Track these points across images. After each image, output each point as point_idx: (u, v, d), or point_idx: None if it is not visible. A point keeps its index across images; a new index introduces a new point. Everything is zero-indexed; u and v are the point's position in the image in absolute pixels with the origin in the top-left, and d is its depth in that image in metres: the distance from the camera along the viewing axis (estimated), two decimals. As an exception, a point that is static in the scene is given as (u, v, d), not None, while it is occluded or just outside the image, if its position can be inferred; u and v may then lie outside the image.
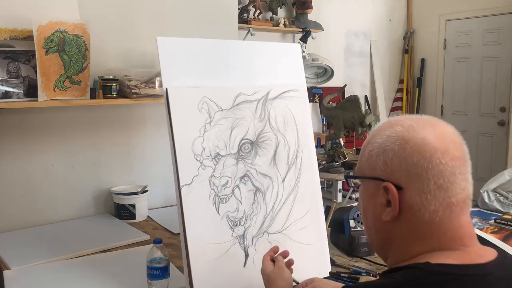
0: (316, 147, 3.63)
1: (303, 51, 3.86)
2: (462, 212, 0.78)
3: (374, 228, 0.86)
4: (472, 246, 0.79)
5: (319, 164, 2.61)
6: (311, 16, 4.40)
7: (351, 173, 0.97)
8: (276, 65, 1.55)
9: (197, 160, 1.30)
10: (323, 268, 1.47)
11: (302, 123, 1.52)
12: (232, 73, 1.44)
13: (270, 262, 1.20)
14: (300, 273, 1.25)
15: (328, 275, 1.46)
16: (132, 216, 2.08)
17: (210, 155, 1.33)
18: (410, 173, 0.78)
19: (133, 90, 1.93)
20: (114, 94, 1.94)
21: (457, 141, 0.82)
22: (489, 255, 0.80)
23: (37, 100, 1.72)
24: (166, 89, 1.28)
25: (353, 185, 0.94)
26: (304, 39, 4.02)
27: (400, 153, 0.79)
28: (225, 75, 1.42)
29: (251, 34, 3.99)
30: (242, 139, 1.39)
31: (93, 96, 1.89)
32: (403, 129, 0.80)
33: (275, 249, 1.24)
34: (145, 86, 1.95)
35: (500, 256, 0.80)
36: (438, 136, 0.79)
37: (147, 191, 2.16)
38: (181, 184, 1.27)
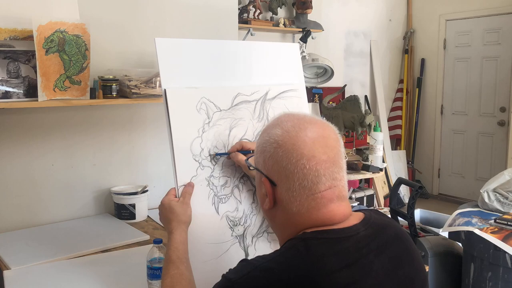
0: (316, 147, 3.63)
1: (303, 51, 3.86)
2: (330, 202, 0.91)
3: (262, 211, 1.04)
4: (344, 221, 0.92)
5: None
6: (311, 16, 4.40)
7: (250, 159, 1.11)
8: (275, 65, 1.55)
9: (195, 160, 1.30)
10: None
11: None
12: (230, 74, 1.44)
13: (174, 194, 1.26)
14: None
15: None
16: (132, 216, 2.08)
17: (209, 155, 1.33)
18: (280, 174, 0.92)
19: (133, 90, 1.93)
20: (114, 94, 1.94)
21: (328, 144, 0.93)
22: (356, 218, 0.95)
23: (37, 100, 1.72)
24: (165, 90, 1.29)
25: (250, 169, 1.10)
26: (304, 39, 4.02)
27: (274, 155, 0.93)
28: (224, 75, 1.43)
29: (251, 34, 3.99)
30: (241, 139, 1.39)
31: (93, 96, 1.89)
32: (281, 132, 0.93)
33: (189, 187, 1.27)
34: (145, 86, 1.95)
35: (367, 217, 0.96)
36: (308, 142, 0.91)
37: (147, 191, 2.16)
38: (179, 185, 1.27)
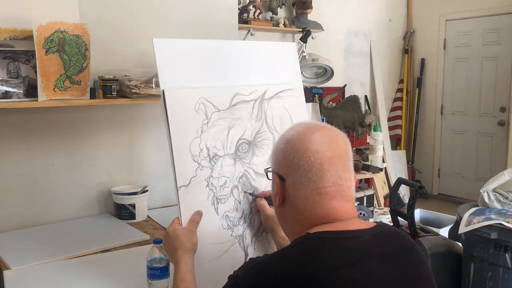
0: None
1: (303, 51, 3.86)
2: (334, 199, 0.95)
3: (275, 213, 1.09)
4: (347, 220, 0.95)
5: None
6: (311, 16, 4.40)
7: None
8: (272, 64, 1.55)
9: (194, 161, 1.30)
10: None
11: (300, 122, 1.53)
12: (228, 73, 1.44)
13: (178, 223, 1.28)
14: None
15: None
16: (132, 216, 2.08)
17: (208, 155, 1.33)
18: (288, 167, 0.99)
19: (133, 90, 1.93)
20: (114, 94, 1.94)
21: (334, 144, 0.99)
22: (365, 225, 0.96)
23: (37, 100, 1.72)
24: (163, 90, 1.29)
25: (267, 172, 1.14)
26: (304, 39, 4.02)
27: (283, 151, 1.00)
28: (222, 75, 1.43)
29: (251, 34, 3.99)
30: (240, 139, 1.39)
31: (93, 96, 1.90)
32: (291, 132, 1.02)
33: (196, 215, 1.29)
34: (145, 86, 1.95)
35: (377, 226, 0.98)
36: (315, 139, 0.98)
37: (147, 191, 2.16)
38: (178, 185, 1.27)
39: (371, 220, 3.76)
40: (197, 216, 1.28)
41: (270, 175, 1.08)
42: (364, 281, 0.86)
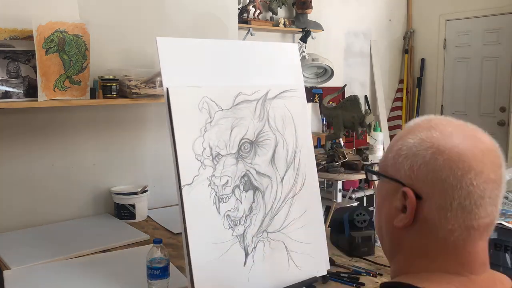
0: (316, 147, 3.63)
1: (303, 51, 3.86)
2: (480, 237, 0.73)
3: (385, 229, 0.81)
4: (480, 274, 0.73)
5: (319, 164, 2.61)
6: (311, 16, 4.40)
7: (373, 167, 0.89)
8: (275, 65, 1.55)
9: (197, 160, 1.30)
10: (322, 266, 1.47)
11: (301, 122, 1.53)
12: (231, 73, 1.44)
13: None
14: (299, 272, 1.26)
15: (325, 273, 1.46)
16: (132, 216, 2.08)
17: (211, 154, 1.33)
18: (435, 186, 0.72)
19: (133, 90, 1.93)
20: (114, 94, 1.94)
21: (496, 162, 0.74)
22: (501, 285, 0.74)
23: (37, 100, 1.72)
24: (167, 88, 1.28)
25: (371, 178, 0.89)
26: (304, 39, 4.02)
27: (430, 163, 0.72)
28: (225, 74, 1.43)
29: (251, 34, 3.99)
30: (242, 138, 1.39)
31: (93, 96, 1.89)
32: (440, 136, 0.73)
33: None
34: (145, 86, 1.95)
35: None
36: (477, 153, 0.72)
37: (147, 191, 2.16)
38: (182, 184, 1.27)
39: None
40: None
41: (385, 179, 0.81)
42: None
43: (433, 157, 0.72)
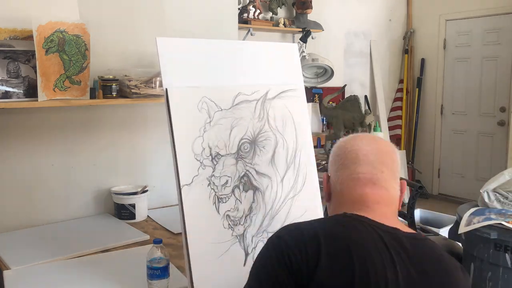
0: (316, 147, 3.63)
1: (303, 51, 3.86)
2: (365, 186, 1.03)
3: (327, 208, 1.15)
4: (377, 209, 1.01)
5: (319, 164, 2.61)
6: (311, 16, 4.40)
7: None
8: (274, 65, 1.55)
9: (197, 160, 1.30)
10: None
11: (300, 122, 1.53)
12: (231, 73, 1.44)
13: None
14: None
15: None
16: (132, 216, 2.08)
17: (210, 155, 1.33)
18: (332, 163, 1.11)
19: (133, 90, 1.93)
20: (114, 94, 1.94)
21: (374, 142, 1.08)
22: (406, 230, 1.00)
23: (37, 100, 1.72)
24: (166, 89, 1.29)
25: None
26: (304, 39, 4.02)
27: (333, 151, 1.12)
28: (224, 75, 1.43)
29: (251, 34, 3.99)
30: (242, 138, 1.39)
31: (93, 96, 1.89)
32: (344, 140, 1.12)
33: None
34: (145, 86, 1.95)
35: (418, 235, 1.03)
36: (357, 138, 1.10)
37: (147, 191, 2.16)
38: (181, 184, 1.27)
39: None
40: None
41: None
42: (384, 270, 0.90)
43: (333, 149, 1.13)
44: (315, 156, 2.66)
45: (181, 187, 1.27)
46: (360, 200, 1.02)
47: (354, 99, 2.90)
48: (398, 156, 1.10)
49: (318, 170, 2.59)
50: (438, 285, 0.94)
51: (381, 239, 0.94)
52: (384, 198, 1.03)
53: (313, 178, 1.55)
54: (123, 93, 1.97)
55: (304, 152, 1.53)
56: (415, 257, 0.94)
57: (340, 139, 1.14)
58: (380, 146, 1.08)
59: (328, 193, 1.11)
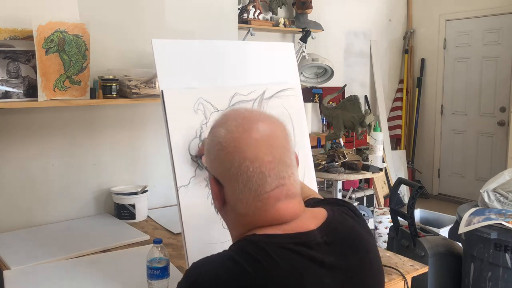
0: (316, 147, 3.63)
1: (303, 51, 3.87)
2: (277, 201, 0.88)
3: (218, 211, 0.99)
4: (295, 220, 0.90)
5: (319, 164, 2.61)
6: (311, 16, 4.40)
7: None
8: (271, 64, 1.55)
9: (194, 161, 1.30)
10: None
11: (298, 122, 1.53)
12: (227, 73, 1.44)
13: None
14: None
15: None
16: (132, 216, 2.08)
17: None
18: (225, 176, 0.90)
19: (133, 90, 1.93)
20: (114, 94, 1.94)
21: (273, 143, 0.89)
22: (314, 222, 0.91)
23: (37, 100, 1.72)
24: (162, 91, 1.29)
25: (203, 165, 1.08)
26: (304, 39, 4.02)
27: (218, 157, 0.90)
28: (220, 75, 1.43)
29: (251, 34, 3.99)
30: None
31: (93, 96, 1.89)
32: (224, 133, 0.89)
33: None
34: (145, 86, 1.95)
35: (327, 220, 0.93)
36: (252, 142, 0.87)
37: (147, 191, 2.16)
38: (178, 185, 1.27)
39: (370, 220, 3.77)
40: None
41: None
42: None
43: (219, 153, 0.89)
44: (315, 156, 2.66)
45: (178, 189, 1.27)
46: (272, 219, 0.89)
47: (354, 99, 2.90)
48: (288, 133, 0.94)
49: (318, 170, 2.59)
50: (361, 260, 0.92)
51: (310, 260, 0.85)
52: (296, 203, 0.91)
53: (310, 176, 1.55)
54: (123, 93, 1.97)
55: (301, 151, 1.53)
56: (334, 248, 0.89)
57: (222, 136, 0.89)
58: (278, 142, 0.90)
59: (221, 201, 0.93)
